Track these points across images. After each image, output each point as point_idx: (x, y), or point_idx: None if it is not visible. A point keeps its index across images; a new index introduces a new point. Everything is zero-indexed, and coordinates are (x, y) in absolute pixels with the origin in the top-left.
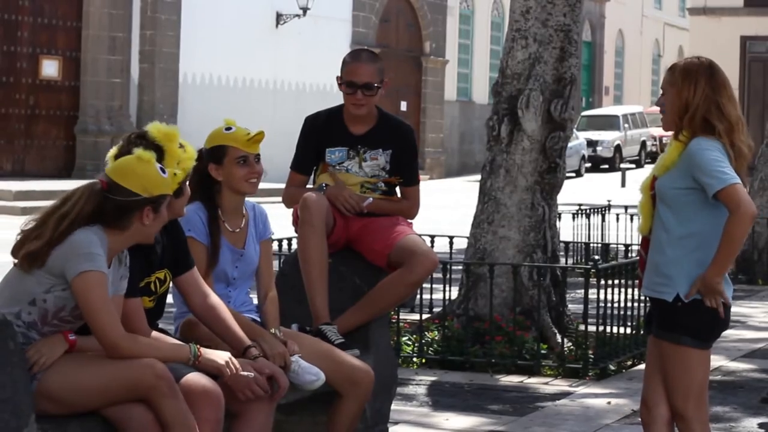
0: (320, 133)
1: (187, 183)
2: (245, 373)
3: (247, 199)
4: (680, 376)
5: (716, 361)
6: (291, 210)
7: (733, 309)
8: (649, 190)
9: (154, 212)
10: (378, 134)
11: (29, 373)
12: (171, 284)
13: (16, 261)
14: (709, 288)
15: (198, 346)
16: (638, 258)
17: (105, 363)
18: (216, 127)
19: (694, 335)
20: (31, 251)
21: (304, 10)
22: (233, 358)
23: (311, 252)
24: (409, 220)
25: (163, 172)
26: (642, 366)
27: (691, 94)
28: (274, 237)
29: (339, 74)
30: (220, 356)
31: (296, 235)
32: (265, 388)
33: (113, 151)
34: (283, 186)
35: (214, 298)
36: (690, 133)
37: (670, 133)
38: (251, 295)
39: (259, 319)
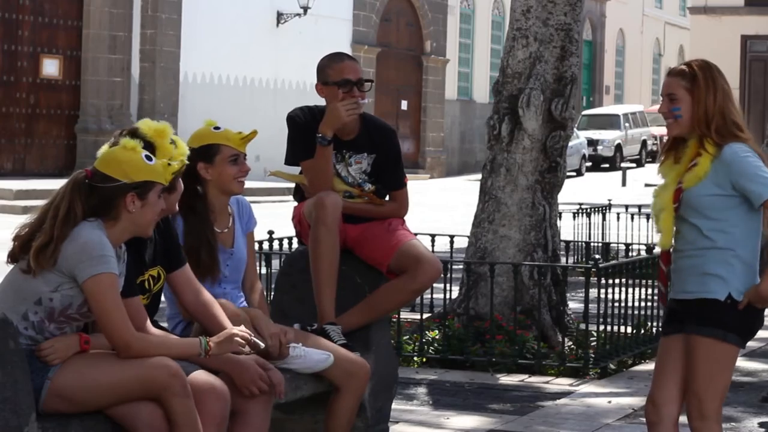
0: (310, 129)
1: (180, 179)
2: (256, 341)
3: None
4: (717, 374)
5: None
6: (292, 212)
7: None
8: (672, 204)
9: (140, 199)
10: (363, 139)
11: (43, 368)
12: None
13: (23, 267)
14: (763, 299)
15: (207, 338)
16: (657, 268)
17: (118, 362)
18: (199, 128)
19: (741, 333)
20: (38, 251)
21: (305, 9)
22: (239, 330)
23: (324, 251)
24: (405, 222)
25: (149, 159)
26: (643, 366)
27: (711, 99)
28: (274, 236)
29: (321, 80)
30: (228, 339)
31: (295, 234)
32: (268, 382)
33: (105, 147)
34: (282, 185)
35: (207, 295)
36: (716, 140)
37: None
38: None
39: None
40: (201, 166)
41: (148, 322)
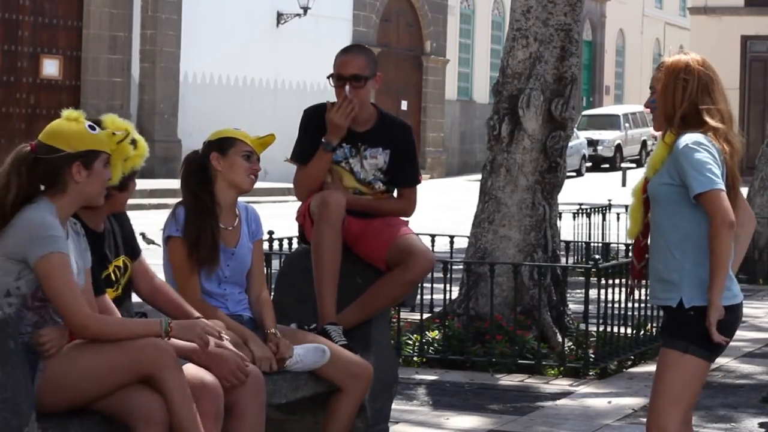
0: (321, 126)
1: (134, 179)
2: (227, 345)
3: (239, 199)
4: (679, 389)
5: (716, 360)
6: (296, 209)
7: None
8: (641, 194)
9: (86, 168)
10: (378, 133)
11: (33, 361)
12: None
13: None
14: (716, 306)
15: (170, 320)
16: (631, 264)
17: (106, 346)
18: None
19: (704, 345)
20: None
21: (305, 9)
22: (209, 324)
23: (326, 250)
24: (406, 220)
25: (93, 129)
26: (643, 367)
27: (679, 92)
28: (274, 236)
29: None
30: (192, 326)
31: (296, 234)
32: (246, 373)
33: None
34: (282, 185)
35: (158, 280)
36: (680, 128)
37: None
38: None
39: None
40: (214, 156)
41: (118, 316)
